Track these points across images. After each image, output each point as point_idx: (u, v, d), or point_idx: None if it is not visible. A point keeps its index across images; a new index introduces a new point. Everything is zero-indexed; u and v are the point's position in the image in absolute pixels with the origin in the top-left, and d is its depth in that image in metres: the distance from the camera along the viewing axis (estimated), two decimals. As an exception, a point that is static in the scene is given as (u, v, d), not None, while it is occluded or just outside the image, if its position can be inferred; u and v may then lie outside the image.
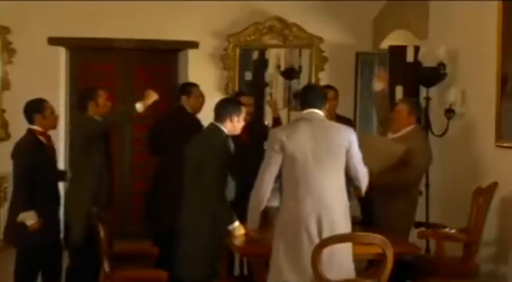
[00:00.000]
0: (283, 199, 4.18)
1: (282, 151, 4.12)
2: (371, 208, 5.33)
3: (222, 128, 4.72)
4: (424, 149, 5.33)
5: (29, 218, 5.03)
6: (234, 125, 4.74)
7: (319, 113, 4.24)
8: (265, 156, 4.18)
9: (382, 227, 5.01)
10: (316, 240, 4.04)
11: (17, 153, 5.16)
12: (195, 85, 6.33)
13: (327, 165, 4.12)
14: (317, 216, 4.09)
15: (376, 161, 4.99)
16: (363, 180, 4.27)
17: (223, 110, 4.75)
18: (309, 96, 4.29)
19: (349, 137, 4.20)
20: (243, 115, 4.81)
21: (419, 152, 5.23)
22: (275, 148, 4.13)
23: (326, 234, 4.06)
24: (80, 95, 5.55)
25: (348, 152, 4.17)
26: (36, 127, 5.23)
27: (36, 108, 5.22)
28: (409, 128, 5.37)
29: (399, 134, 5.37)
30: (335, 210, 4.12)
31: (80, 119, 5.50)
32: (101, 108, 5.36)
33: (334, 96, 6.27)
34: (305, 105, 4.26)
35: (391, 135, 5.47)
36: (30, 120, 5.23)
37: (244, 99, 6.25)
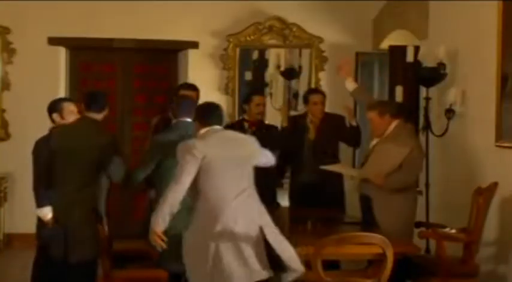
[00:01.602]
0: (198, 204, 4.20)
1: (197, 159, 4.14)
2: (371, 208, 5.32)
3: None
4: (417, 147, 5.31)
5: (45, 215, 5.05)
6: None
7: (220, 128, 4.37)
8: (181, 163, 4.18)
9: (382, 227, 5.02)
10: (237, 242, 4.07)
11: (36, 150, 5.19)
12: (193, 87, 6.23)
13: (235, 174, 4.18)
14: (232, 220, 4.10)
15: (386, 166, 5.12)
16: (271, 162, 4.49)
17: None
18: (211, 117, 4.35)
19: (253, 147, 4.33)
20: None
21: (413, 150, 5.23)
22: (192, 156, 4.14)
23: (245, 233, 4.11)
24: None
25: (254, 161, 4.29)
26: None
27: (54, 108, 5.25)
28: (391, 127, 5.34)
29: (384, 136, 5.36)
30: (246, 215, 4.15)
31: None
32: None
33: (321, 101, 6.29)
34: (208, 123, 4.33)
35: (376, 140, 5.45)
36: (51, 120, 5.27)
37: (255, 98, 6.29)
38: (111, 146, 5.00)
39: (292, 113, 6.65)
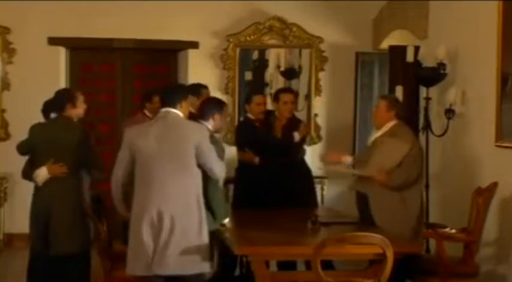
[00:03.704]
0: (134, 193, 4.42)
1: (131, 149, 4.41)
2: (368, 207, 5.29)
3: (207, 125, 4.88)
4: (414, 144, 5.27)
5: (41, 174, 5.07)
6: (216, 124, 4.88)
7: (175, 111, 4.47)
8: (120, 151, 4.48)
9: (379, 225, 5.01)
10: (159, 233, 4.26)
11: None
12: (205, 87, 6.22)
13: (170, 164, 4.33)
14: (158, 212, 4.28)
15: (389, 161, 5.09)
16: (220, 175, 4.55)
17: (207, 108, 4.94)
18: (165, 96, 4.55)
19: (198, 136, 4.42)
20: (225, 113, 5.04)
21: (412, 148, 5.19)
22: (126, 146, 4.45)
23: (166, 228, 4.26)
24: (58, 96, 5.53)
25: (197, 150, 4.37)
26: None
27: (67, 98, 5.28)
28: (390, 124, 5.32)
29: (383, 130, 5.35)
30: (177, 206, 4.29)
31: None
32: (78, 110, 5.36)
33: (291, 100, 6.29)
34: (162, 104, 4.53)
35: (374, 132, 5.44)
36: (61, 110, 5.30)
37: (256, 98, 6.29)
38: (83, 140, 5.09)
39: (268, 108, 6.61)
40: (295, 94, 6.48)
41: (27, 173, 5.18)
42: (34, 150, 5.14)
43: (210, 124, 4.85)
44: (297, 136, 6.18)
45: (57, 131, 5.13)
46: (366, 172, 5.25)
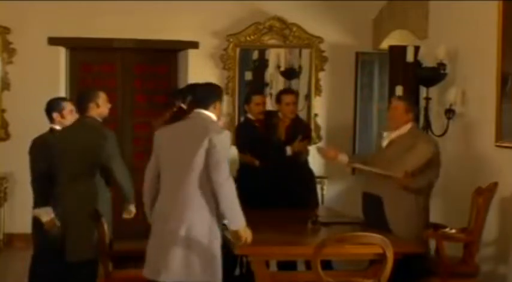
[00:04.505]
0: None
1: (157, 151, 4.32)
2: (380, 208, 5.21)
3: None
4: (436, 147, 5.19)
5: (44, 214, 5.05)
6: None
7: (206, 113, 4.28)
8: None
9: (392, 227, 4.98)
10: (170, 236, 4.15)
11: (33, 150, 5.19)
12: None
13: (182, 169, 4.16)
14: (170, 216, 4.17)
15: (418, 163, 5.02)
16: (215, 185, 4.12)
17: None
18: (198, 96, 4.39)
19: (207, 140, 4.12)
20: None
21: (434, 151, 5.16)
22: (154, 148, 4.35)
23: (176, 233, 4.13)
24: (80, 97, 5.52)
25: (207, 154, 4.12)
26: (55, 126, 5.26)
27: (54, 107, 5.25)
28: (407, 126, 5.20)
29: (397, 132, 5.21)
30: (187, 212, 4.14)
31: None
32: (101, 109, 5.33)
33: (293, 101, 6.30)
34: (194, 105, 4.37)
35: (387, 134, 5.31)
36: (50, 119, 5.27)
37: (255, 98, 6.30)
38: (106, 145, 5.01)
39: (268, 108, 6.61)
40: (297, 94, 6.49)
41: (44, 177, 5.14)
42: (58, 154, 5.08)
43: None
44: (288, 150, 6.14)
45: (79, 133, 5.07)
46: (393, 173, 5.05)
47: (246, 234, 4.15)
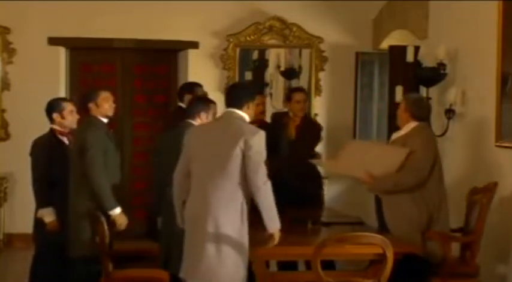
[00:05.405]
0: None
1: (187, 150, 4.26)
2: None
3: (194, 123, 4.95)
4: (422, 149, 4.93)
5: (47, 215, 5.06)
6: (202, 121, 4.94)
7: (239, 113, 4.21)
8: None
9: (391, 228, 4.97)
10: (202, 236, 4.08)
11: (35, 151, 5.20)
12: (200, 85, 6.31)
13: (214, 169, 4.09)
14: (199, 215, 4.11)
15: (377, 168, 4.94)
16: (254, 189, 4.06)
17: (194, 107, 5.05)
18: (232, 95, 4.29)
19: (242, 141, 4.05)
20: (211, 112, 5.05)
21: (417, 152, 4.90)
22: (184, 146, 4.29)
23: (205, 233, 4.07)
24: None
25: (244, 156, 4.05)
26: (55, 126, 5.25)
27: (54, 108, 5.25)
28: (409, 125, 5.07)
29: (401, 132, 5.15)
30: (217, 212, 4.07)
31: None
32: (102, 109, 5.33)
33: (303, 99, 6.30)
34: (228, 104, 4.28)
35: (395, 134, 5.25)
36: (51, 120, 5.27)
37: (257, 98, 6.32)
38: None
39: (274, 110, 6.61)
40: (306, 93, 6.50)
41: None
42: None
43: (196, 122, 4.93)
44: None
45: (79, 133, 5.10)
46: (356, 173, 5.07)
47: (279, 237, 4.13)
